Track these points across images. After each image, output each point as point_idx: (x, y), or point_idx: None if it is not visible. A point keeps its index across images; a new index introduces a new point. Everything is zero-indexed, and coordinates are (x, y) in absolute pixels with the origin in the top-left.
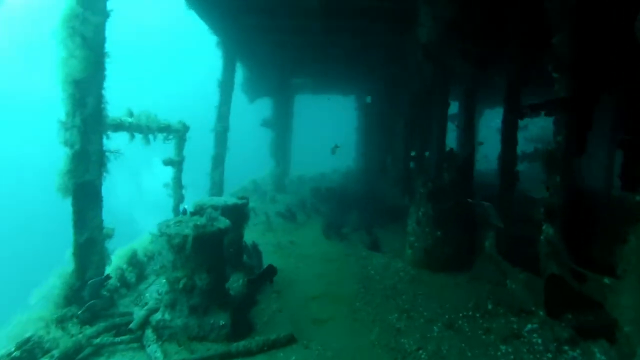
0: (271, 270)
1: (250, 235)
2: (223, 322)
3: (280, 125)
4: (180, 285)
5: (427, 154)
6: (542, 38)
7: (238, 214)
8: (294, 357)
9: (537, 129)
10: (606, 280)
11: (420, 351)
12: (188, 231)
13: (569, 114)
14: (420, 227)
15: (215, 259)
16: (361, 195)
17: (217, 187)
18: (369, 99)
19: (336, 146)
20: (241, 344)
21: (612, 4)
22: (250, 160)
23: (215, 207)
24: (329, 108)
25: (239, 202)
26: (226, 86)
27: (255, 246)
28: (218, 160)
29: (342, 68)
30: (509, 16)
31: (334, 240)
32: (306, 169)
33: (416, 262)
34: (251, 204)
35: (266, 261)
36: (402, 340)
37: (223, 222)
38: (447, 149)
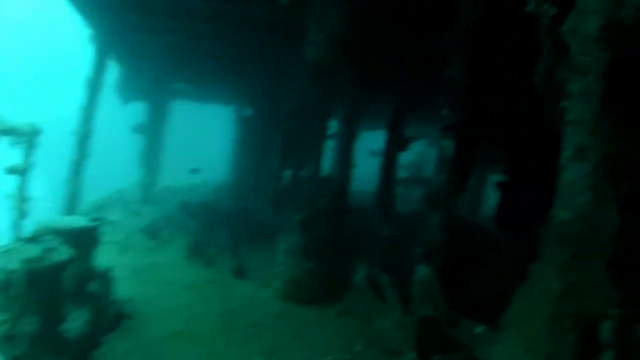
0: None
1: (106, 255)
2: None
3: (153, 131)
4: (2, 332)
5: (302, 173)
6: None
7: (87, 238)
8: None
9: (412, 155)
10: (478, 330)
11: None
12: (16, 266)
13: (455, 150)
14: (290, 257)
15: (49, 298)
16: (232, 212)
17: (73, 197)
18: (248, 112)
19: (195, 169)
20: None
21: (507, 45)
22: (120, 168)
23: (59, 232)
24: (208, 117)
25: (89, 224)
26: (95, 85)
27: (106, 272)
28: (77, 168)
29: (224, 77)
30: (402, 43)
31: (198, 263)
32: (178, 179)
33: (284, 294)
34: (113, 217)
35: (120, 289)
36: None
37: (63, 253)
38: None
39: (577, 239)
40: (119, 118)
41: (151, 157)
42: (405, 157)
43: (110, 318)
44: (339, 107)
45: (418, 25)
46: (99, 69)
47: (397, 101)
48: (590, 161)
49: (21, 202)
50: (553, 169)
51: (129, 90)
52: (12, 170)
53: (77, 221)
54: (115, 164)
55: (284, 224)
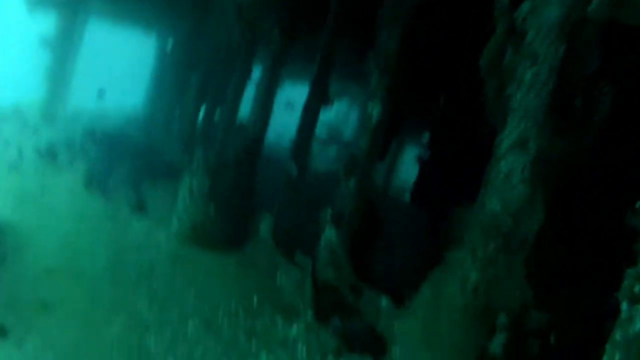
0: None
1: None
2: None
3: (62, 46)
4: None
5: (217, 115)
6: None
7: None
8: None
9: (331, 113)
10: (383, 303)
11: (169, 358)
12: None
13: (380, 116)
14: (192, 199)
15: None
16: (141, 144)
17: None
18: (169, 44)
19: (102, 90)
20: None
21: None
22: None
23: None
24: (130, 41)
25: None
26: None
27: None
28: None
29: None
30: None
31: (95, 194)
32: (89, 102)
33: (183, 236)
34: (5, 134)
35: (2, 215)
36: (149, 341)
37: None
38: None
39: (505, 232)
40: (27, 27)
41: (58, 73)
42: (326, 116)
43: None
44: (263, 52)
45: None
46: None
47: (324, 52)
48: (530, 154)
49: None
50: (482, 154)
51: None
52: None
53: None
54: (17, 75)
55: (191, 164)
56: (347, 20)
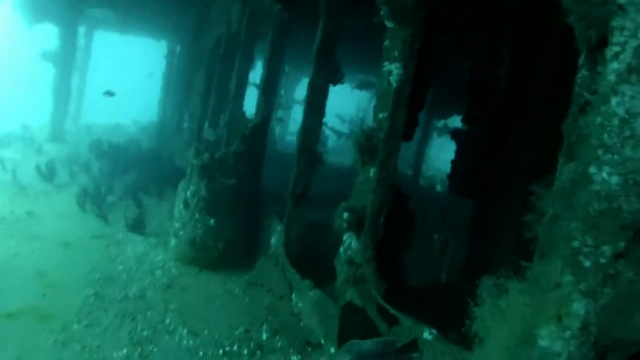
0: None
1: None
2: None
3: (65, 60)
4: None
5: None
6: None
7: None
8: None
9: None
10: (427, 335)
11: None
12: None
13: (400, 80)
14: (188, 212)
15: None
16: (149, 154)
17: None
18: (176, 46)
19: (109, 92)
20: None
21: None
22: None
23: None
24: (142, 50)
25: None
26: None
27: None
28: None
29: (148, 5)
30: None
31: (89, 213)
32: (104, 116)
33: (181, 256)
34: (8, 154)
35: None
36: None
37: None
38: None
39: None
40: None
41: (62, 88)
42: (348, 111)
43: None
44: (266, 33)
45: None
46: None
47: (327, 20)
48: None
49: None
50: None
51: (35, 9)
52: None
53: None
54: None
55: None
56: None
